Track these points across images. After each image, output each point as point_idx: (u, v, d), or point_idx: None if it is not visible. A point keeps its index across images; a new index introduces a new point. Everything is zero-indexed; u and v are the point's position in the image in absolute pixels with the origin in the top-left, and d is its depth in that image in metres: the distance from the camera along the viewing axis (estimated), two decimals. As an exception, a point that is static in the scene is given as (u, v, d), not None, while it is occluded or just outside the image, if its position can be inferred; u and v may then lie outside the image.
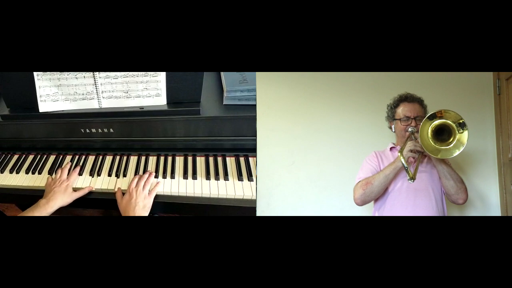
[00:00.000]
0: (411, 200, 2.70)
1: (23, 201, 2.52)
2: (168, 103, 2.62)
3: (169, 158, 2.69)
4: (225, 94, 2.59)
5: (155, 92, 2.58)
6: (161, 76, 2.55)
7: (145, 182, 2.48)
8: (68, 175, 2.57)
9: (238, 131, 2.58)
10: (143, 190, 2.42)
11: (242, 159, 2.64)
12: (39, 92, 2.54)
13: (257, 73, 2.67)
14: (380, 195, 2.78)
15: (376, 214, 2.85)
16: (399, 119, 2.86)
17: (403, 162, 2.48)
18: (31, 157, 2.83)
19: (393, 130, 2.96)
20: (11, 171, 2.71)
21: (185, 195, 2.47)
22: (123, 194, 2.44)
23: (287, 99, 3.72)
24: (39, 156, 2.82)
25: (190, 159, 2.67)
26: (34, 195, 2.49)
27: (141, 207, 2.34)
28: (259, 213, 3.52)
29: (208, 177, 2.53)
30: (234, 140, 2.62)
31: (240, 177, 2.51)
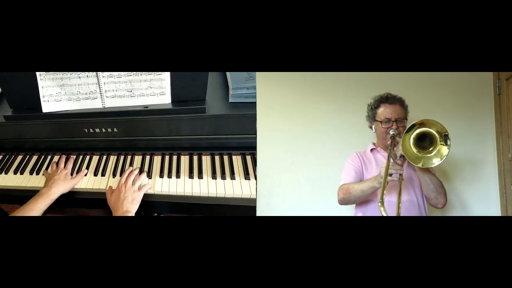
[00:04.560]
0: (394, 205, 2.65)
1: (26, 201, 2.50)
2: (172, 101, 2.60)
3: (174, 158, 2.67)
4: (230, 92, 2.58)
5: (159, 90, 2.56)
6: (166, 74, 2.53)
7: (134, 178, 2.48)
8: (65, 165, 2.63)
9: (244, 129, 2.56)
10: (132, 185, 2.43)
11: (248, 158, 2.63)
12: (42, 92, 2.52)
13: (257, 73, 2.66)
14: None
15: (359, 215, 2.87)
16: (380, 121, 2.85)
17: (383, 213, 2.40)
18: (34, 157, 2.81)
19: (374, 131, 2.96)
20: (15, 172, 2.69)
21: (191, 194, 2.44)
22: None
23: (287, 99, 3.70)
24: (42, 156, 2.80)
25: (195, 158, 2.65)
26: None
27: (130, 200, 2.34)
28: (259, 213, 3.51)
29: (214, 176, 2.52)
30: (240, 138, 2.60)
31: (246, 176, 2.50)
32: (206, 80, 2.55)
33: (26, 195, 2.46)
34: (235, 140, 2.61)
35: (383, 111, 2.85)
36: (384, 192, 2.46)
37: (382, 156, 2.90)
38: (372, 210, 2.78)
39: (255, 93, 2.57)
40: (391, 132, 2.75)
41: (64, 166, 2.63)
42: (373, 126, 2.94)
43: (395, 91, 2.99)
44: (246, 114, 2.53)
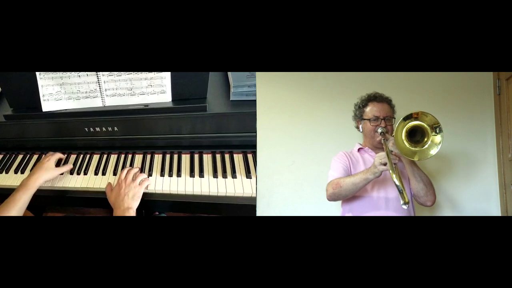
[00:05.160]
0: (383, 201, 2.70)
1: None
2: (173, 100, 2.60)
3: (175, 156, 2.66)
4: (232, 90, 2.56)
5: (159, 89, 2.56)
6: (166, 72, 2.52)
7: (135, 174, 2.47)
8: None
9: (246, 127, 2.55)
10: (133, 181, 2.41)
11: (250, 156, 2.61)
12: (41, 91, 2.52)
13: (257, 73, 2.65)
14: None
15: (347, 213, 2.84)
16: (368, 119, 2.84)
17: (397, 182, 2.39)
18: (35, 157, 2.80)
19: (361, 130, 2.95)
20: (15, 171, 2.69)
21: (192, 193, 2.43)
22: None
23: (287, 99, 3.71)
24: (43, 156, 2.76)
25: (196, 156, 2.64)
26: (39, 195, 2.45)
27: (130, 196, 2.33)
28: (259, 213, 3.51)
29: (215, 175, 2.50)
30: (242, 137, 2.58)
31: (248, 175, 2.48)
32: (207, 78, 2.54)
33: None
34: (237, 139, 2.60)
35: (372, 109, 2.85)
36: (396, 170, 2.46)
37: (369, 156, 2.88)
38: (359, 209, 2.76)
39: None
40: (380, 130, 2.75)
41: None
42: (360, 126, 2.94)
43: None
44: (248, 112, 2.51)
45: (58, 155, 2.64)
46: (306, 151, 3.65)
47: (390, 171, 2.43)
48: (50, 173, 2.49)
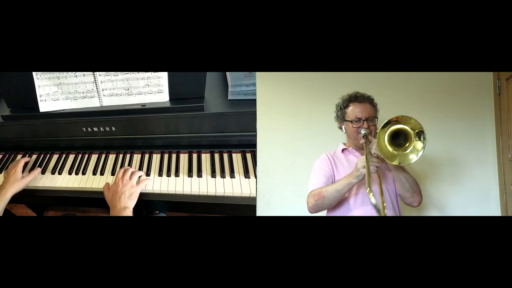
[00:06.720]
0: (368, 201, 2.63)
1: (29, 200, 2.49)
2: (171, 99, 2.58)
3: (173, 156, 2.66)
4: (229, 89, 2.55)
5: (157, 88, 2.55)
6: (163, 72, 2.52)
7: (132, 173, 2.46)
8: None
9: (244, 127, 2.54)
10: (130, 179, 2.41)
11: (248, 155, 2.61)
12: (39, 91, 2.51)
13: (257, 73, 2.63)
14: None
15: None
16: (350, 121, 2.78)
17: (373, 201, 2.25)
18: (34, 157, 2.80)
19: (344, 131, 2.90)
20: (14, 171, 2.68)
21: (190, 193, 2.43)
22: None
23: (287, 99, 3.71)
24: (42, 156, 2.79)
25: (195, 156, 2.63)
26: (38, 195, 2.51)
27: (127, 195, 2.32)
28: (259, 213, 3.50)
29: (213, 174, 2.50)
30: (240, 136, 2.58)
31: (246, 174, 2.48)
32: (204, 78, 2.53)
33: (26, 194, 2.50)
34: (235, 138, 2.59)
35: (353, 110, 2.79)
36: (370, 180, 2.35)
37: (354, 157, 2.82)
38: (347, 207, 2.68)
39: (255, 90, 2.55)
40: (363, 132, 2.69)
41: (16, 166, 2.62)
42: (343, 127, 2.88)
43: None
44: (246, 111, 2.50)
45: (22, 162, 2.62)
46: (306, 151, 3.62)
47: (366, 177, 2.38)
48: (17, 185, 2.50)
